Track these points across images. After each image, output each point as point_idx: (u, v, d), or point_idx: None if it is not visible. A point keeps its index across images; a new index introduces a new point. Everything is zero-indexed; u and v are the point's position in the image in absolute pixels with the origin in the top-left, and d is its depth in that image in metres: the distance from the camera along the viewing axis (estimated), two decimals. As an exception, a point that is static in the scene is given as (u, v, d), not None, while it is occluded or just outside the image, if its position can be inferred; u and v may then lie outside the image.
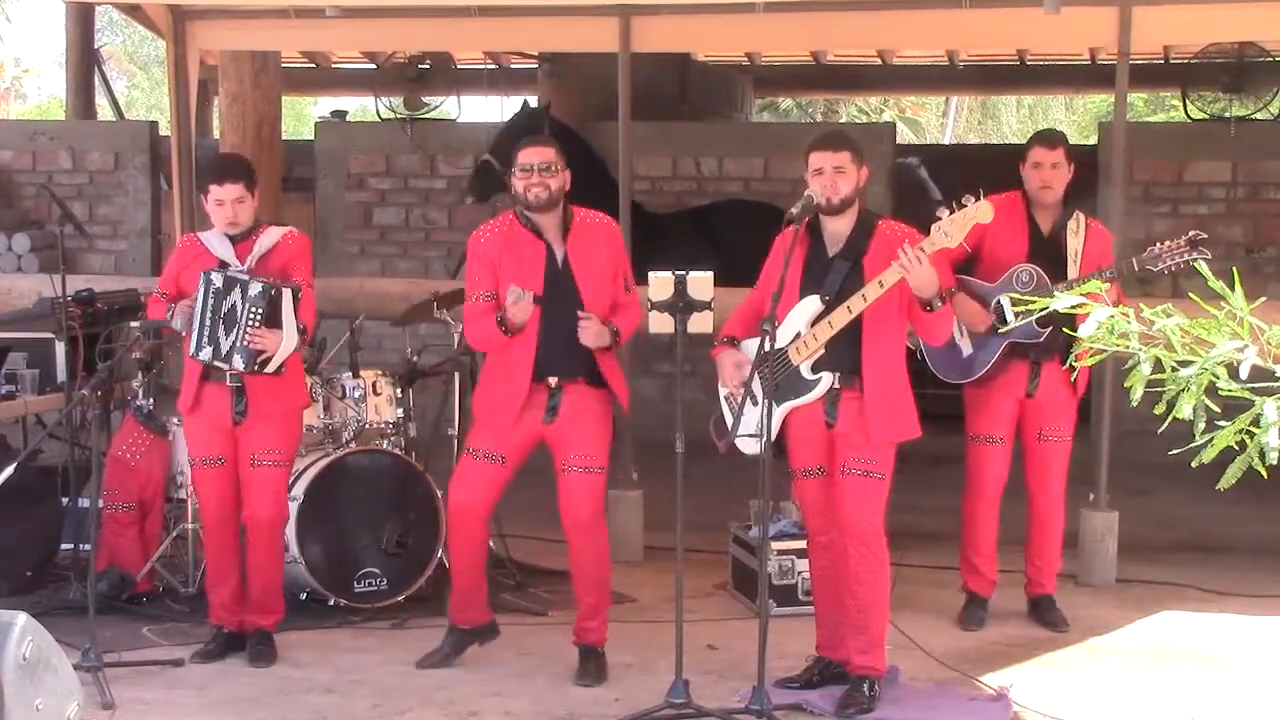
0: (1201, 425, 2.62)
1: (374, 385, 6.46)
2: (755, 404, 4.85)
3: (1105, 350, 2.73)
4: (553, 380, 5.20)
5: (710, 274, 5.05)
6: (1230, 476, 2.68)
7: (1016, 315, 5.59)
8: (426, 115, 11.18)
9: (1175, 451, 2.77)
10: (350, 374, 6.46)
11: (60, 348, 6.50)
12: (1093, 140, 12.43)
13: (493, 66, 12.39)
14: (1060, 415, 5.88)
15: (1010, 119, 25.47)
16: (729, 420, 5.10)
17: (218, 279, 5.32)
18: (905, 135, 21.85)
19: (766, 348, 4.72)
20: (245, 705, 5.07)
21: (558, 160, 5.20)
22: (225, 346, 5.29)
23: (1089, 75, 13.59)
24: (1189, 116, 10.49)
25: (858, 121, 20.52)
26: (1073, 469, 6.03)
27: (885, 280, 4.78)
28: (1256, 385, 2.60)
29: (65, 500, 6.38)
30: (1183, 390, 2.60)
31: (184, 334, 5.45)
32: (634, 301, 5.33)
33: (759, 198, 10.15)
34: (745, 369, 4.93)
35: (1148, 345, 2.67)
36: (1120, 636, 5.91)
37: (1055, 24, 6.57)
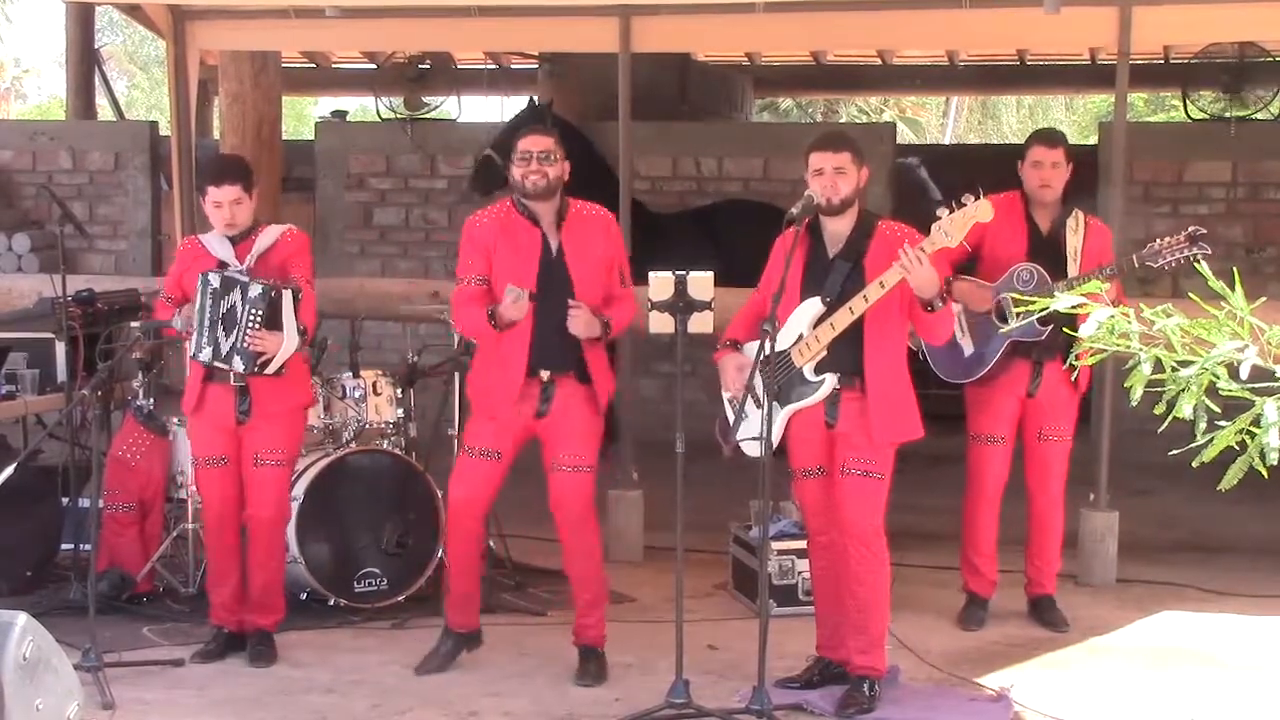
0: (1202, 425, 2.62)
1: (374, 385, 6.46)
2: (759, 406, 4.85)
3: (1105, 350, 2.73)
4: (545, 374, 5.20)
5: (710, 274, 5.04)
6: (1231, 477, 2.68)
7: (1017, 314, 5.59)
8: (426, 115, 11.19)
9: (1175, 451, 2.77)
10: (350, 374, 6.46)
11: (60, 348, 6.50)
12: (1093, 140, 12.44)
13: (493, 66, 12.40)
14: (1061, 415, 5.88)
15: (1010, 119, 25.47)
16: (733, 423, 5.09)
17: (215, 279, 5.33)
18: (905, 135, 21.85)
19: (767, 349, 4.73)
20: (245, 705, 5.07)
21: (556, 150, 5.20)
22: (225, 348, 5.30)
23: (1089, 75, 13.59)
24: (1189, 116, 10.50)
25: (858, 121, 20.52)
26: (1073, 469, 6.03)
27: (886, 281, 4.78)
28: (1256, 385, 2.60)
29: (65, 500, 6.38)
30: (1183, 390, 2.60)
31: (183, 335, 5.46)
32: (629, 295, 5.33)
33: (760, 198, 10.15)
34: (747, 372, 4.93)
35: (1148, 345, 2.67)
36: (1120, 636, 5.91)
37: (1055, 24, 6.57)
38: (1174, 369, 2.63)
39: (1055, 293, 5.28)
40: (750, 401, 4.85)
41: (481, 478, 5.25)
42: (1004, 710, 5.00)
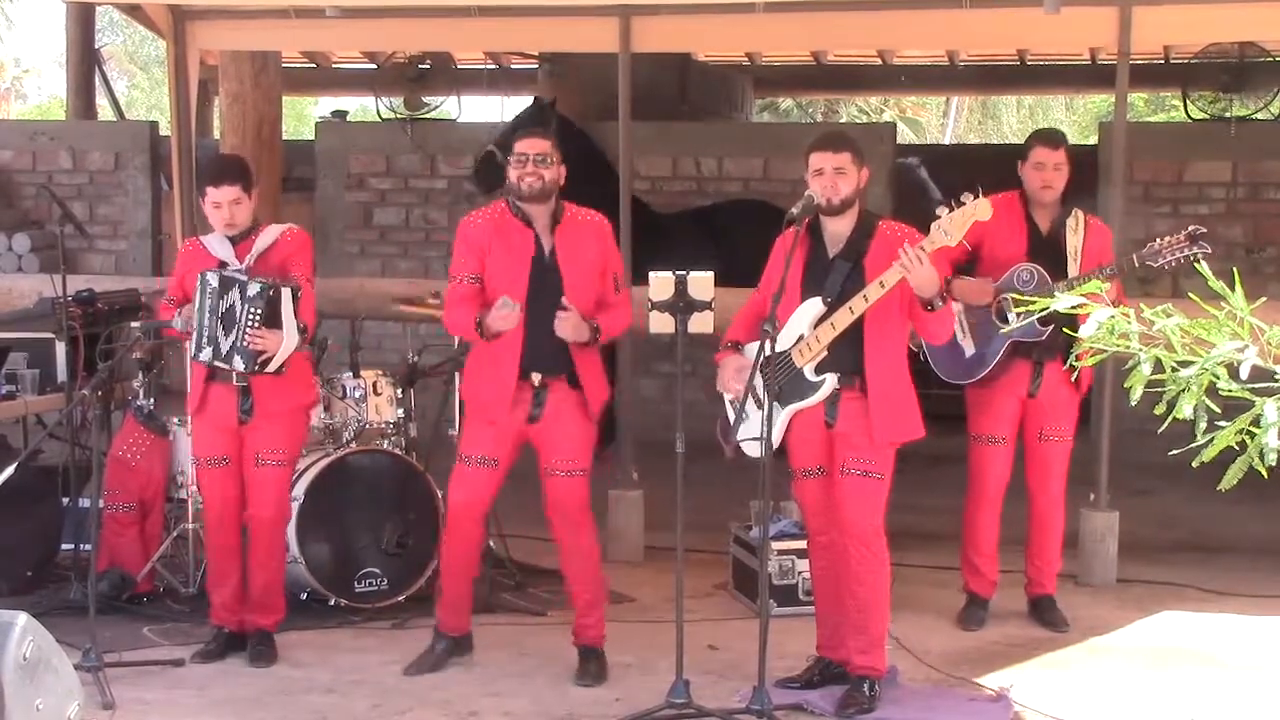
0: (1202, 425, 2.62)
1: (374, 385, 6.47)
2: (760, 407, 4.85)
3: (1106, 350, 2.73)
4: (537, 378, 5.20)
5: (710, 274, 5.04)
6: (1231, 477, 2.68)
7: (1017, 315, 5.59)
8: (427, 115, 11.18)
9: (1175, 451, 2.77)
10: (351, 374, 6.46)
11: (60, 348, 6.51)
12: (1093, 140, 12.44)
13: (493, 66, 12.40)
14: (1062, 415, 5.88)
15: (1010, 119, 25.49)
16: (733, 423, 5.09)
17: (213, 279, 5.33)
18: (905, 135, 21.85)
19: (767, 349, 4.73)
20: (246, 705, 5.07)
21: (553, 153, 5.20)
22: (225, 347, 5.30)
23: (1089, 75, 13.59)
24: (1189, 116, 10.49)
25: (858, 121, 20.52)
26: (1073, 469, 6.03)
27: (886, 280, 4.78)
28: (1256, 385, 2.60)
29: (65, 500, 6.38)
30: (1183, 390, 2.60)
31: (184, 335, 5.46)
32: (623, 302, 5.32)
33: (762, 198, 10.14)
34: (746, 374, 4.92)
35: (1148, 345, 2.67)
36: (1120, 636, 5.91)
37: (1055, 24, 6.57)
38: (1174, 369, 2.63)
39: (1055, 293, 5.29)
40: (751, 402, 4.85)
41: (480, 483, 5.27)
42: (1004, 710, 5.00)
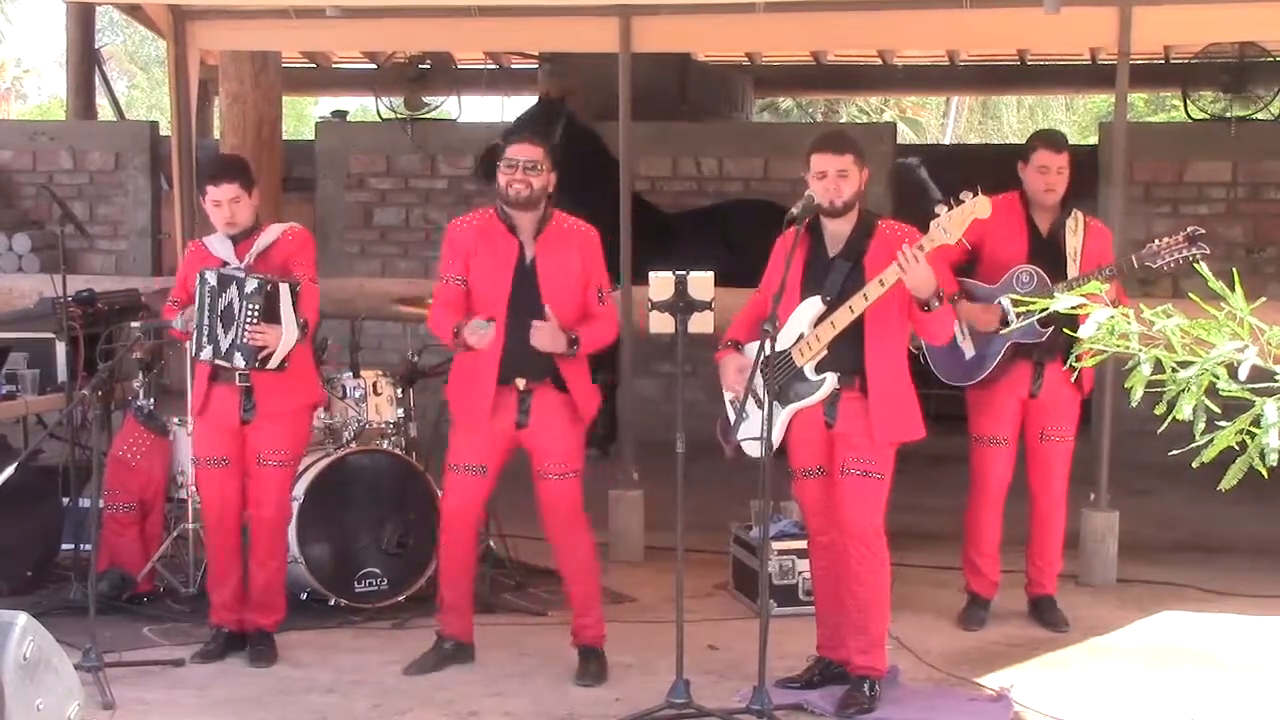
0: (1201, 425, 2.62)
1: (374, 385, 6.46)
2: (760, 406, 4.85)
3: (1106, 351, 2.73)
4: (520, 382, 5.20)
5: (710, 274, 5.04)
6: (1231, 477, 2.68)
7: (1018, 316, 5.59)
8: (427, 115, 11.18)
9: (1175, 451, 2.77)
10: (351, 374, 6.46)
11: (61, 348, 6.51)
12: (1093, 140, 12.43)
13: (493, 66, 12.40)
14: (1063, 415, 5.88)
15: (1010, 119, 25.48)
16: (734, 423, 5.09)
17: (211, 277, 5.33)
18: (905, 135, 21.85)
19: (767, 349, 4.73)
20: (246, 705, 5.07)
21: (544, 161, 5.19)
22: (225, 344, 5.30)
23: (1089, 75, 13.59)
24: (1189, 116, 10.50)
25: (858, 122, 20.52)
26: (1073, 469, 6.02)
27: (886, 279, 4.78)
28: (1256, 385, 2.60)
29: (65, 500, 6.38)
30: (1183, 391, 2.60)
31: (185, 335, 5.46)
32: (607, 314, 5.29)
33: (768, 198, 10.12)
34: (747, 373, 4.92)
35: (1148, 346, 2.67)
36: (1120, 636, 5.91)
37: (1055, 24, 6.57)
38: (1174, 369, 2.63)
39: (1055, 294, 5.28)
40: (751, 401, 4.85)
41: (470, 491, 5.28)
42: (1004, 710, 5.00)
